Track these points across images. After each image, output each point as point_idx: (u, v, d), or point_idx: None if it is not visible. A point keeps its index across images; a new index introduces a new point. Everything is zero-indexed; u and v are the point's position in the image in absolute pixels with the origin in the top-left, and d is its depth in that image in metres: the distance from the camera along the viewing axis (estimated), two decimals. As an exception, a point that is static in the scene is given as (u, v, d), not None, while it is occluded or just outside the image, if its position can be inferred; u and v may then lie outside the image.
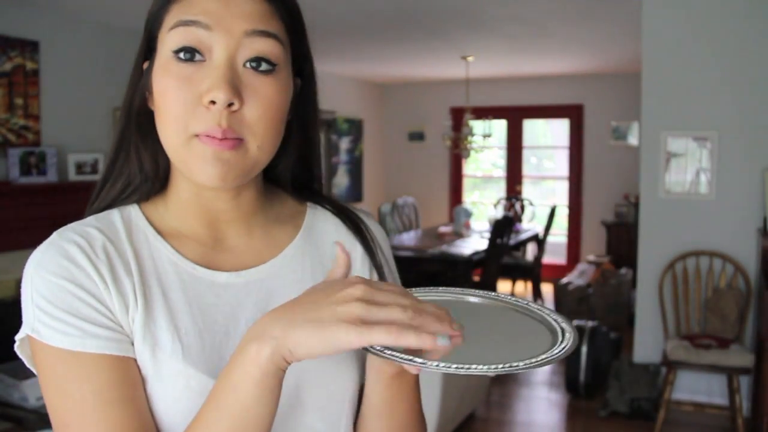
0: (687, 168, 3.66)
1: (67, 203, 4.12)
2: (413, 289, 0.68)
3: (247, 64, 0.63)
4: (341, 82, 7.29)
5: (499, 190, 7.98)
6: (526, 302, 0.67)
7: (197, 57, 0.62)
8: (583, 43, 5.28)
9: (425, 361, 0.54)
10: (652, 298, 3.71)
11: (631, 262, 5.06)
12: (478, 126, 6.60)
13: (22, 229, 3.83)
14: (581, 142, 7.32)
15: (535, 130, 8.01)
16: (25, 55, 3.87)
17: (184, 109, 0.62)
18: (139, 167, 0.70)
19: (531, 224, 6.93)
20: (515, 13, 4.21)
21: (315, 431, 0.70)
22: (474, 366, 0.53)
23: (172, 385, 0.63)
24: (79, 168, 4.15)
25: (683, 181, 3.68)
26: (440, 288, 0.70)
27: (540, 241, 6.49)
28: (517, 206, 7.15)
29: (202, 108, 0.61)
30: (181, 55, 0.62)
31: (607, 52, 5.65)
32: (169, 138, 0.64)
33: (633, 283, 5.17)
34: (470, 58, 5.98)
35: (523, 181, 7.80)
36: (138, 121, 0.70)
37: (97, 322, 0.62)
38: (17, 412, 2.71)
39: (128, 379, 0.62)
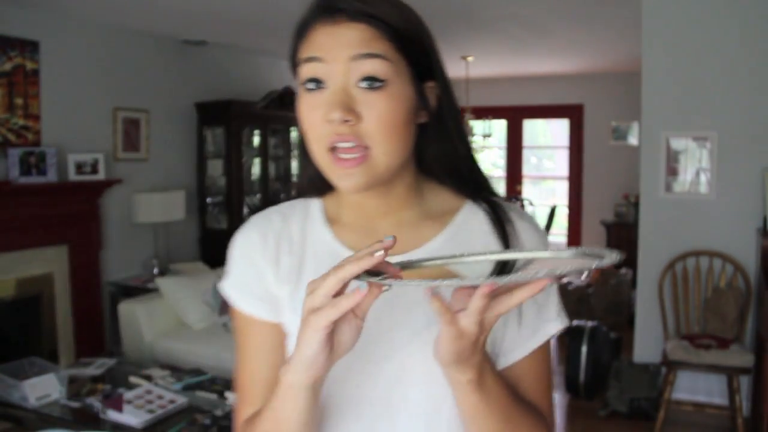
0: (687, 168, 3.66)
1: (67, 203, 4.12)
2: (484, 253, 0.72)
3: (360, 84, 0.72)
4: (341, 82, 7.29)
5: (499, 190, 7.97)
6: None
7: (320, 86, 0.74)
8: (583, 43, 5.28)
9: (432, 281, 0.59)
10: (652, 298, 3.71)
11: (631, 262, 5.06)
12: (478, 126, 6.60)
13: (22, 229, 3.83)
14: (581, 142, 7.32)
15: (535, 130, 8.01)
16: (25, 55, 3.87)
17: (316, 131, 0.74)
18: (307, 178, 0.86)
19: (531, 224, 6.91)
20: (515, 13, 4.21)
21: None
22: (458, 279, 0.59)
23: None
24: (79, 168, 4.15)
25: (683, 181, 3.68)
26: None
27: (540, 241, 6.48)
28: (517, 206, 7.15)
29: (328, 126, 0.73)
30: (308, 86, 0.75)
31: (607, 52, 5.65)
32: (313, 154, 0.77)
33: (633, 283, 5.16)
34: (470, 58, 5.98)
35: (523, 181, 7.80)
36: (303, 141, 0.82)
37: (255, 292, 0.82)
38: (17, 412, 2.71)
39: (271, 340, 0.82)
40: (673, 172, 3.69)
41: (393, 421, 0.78)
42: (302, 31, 0.77)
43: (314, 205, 0.86)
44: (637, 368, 3.63)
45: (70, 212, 4.13)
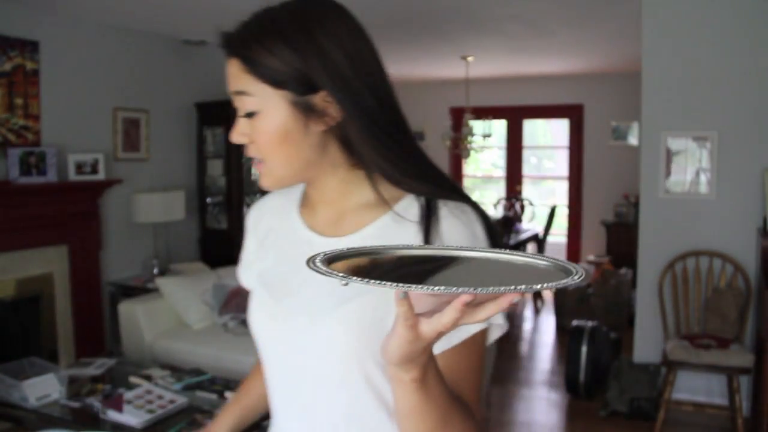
0: (687, 168, 3.66)
1: (67, 203, 4.12)
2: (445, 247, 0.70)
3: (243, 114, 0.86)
4: (341, 82, 7.28)
5: (499, 190, 7.98)
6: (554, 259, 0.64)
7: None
8: (583, 43, 5.28)
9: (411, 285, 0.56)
10: (652, 298, 3.71)
11: (631, 262, 5.06)
12: (477, 126, 6.60)
13: (22, 229, 3.83)
14: (581, 142, 7.32)
15: (535, 130, 8.01)
16: (25, 55, 3.87)
17: None
18: None
19: (531, 224, 6.93)
20: (515, 13, 4.21)
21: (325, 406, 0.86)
22: (456, 288, 0.54)
23: (255, 299, 0.95)
24: (79, 168, 4.15)
25: (683, 181, 3.68)
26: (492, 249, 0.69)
27: (540, 241, 6.49)
28: (517, 206, 7.15)
29: None
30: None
31: (607, 52, 5.65)
32: None
33: (633, 283, 5.16)
34: (470, 58, 5.98)
35: (523, 181, 7.80)
36: None
37: (244, 258, 1.04)
38: (17, 412, 2.71)
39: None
40: (673, 172, 3.69)
41: (315, 386, 0.86)
42: None
43: (297, 189, 1.00)
44: (637, 368, 3.63)
45: (70, 212, 4.13)
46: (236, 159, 5.29)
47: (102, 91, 4.43)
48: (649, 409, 3.52)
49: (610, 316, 5.16)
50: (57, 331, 4.10)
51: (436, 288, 0.54)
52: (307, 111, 0.83)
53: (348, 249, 0.67)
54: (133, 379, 2.95)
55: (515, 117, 7.72)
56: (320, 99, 0.83)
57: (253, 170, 0.89)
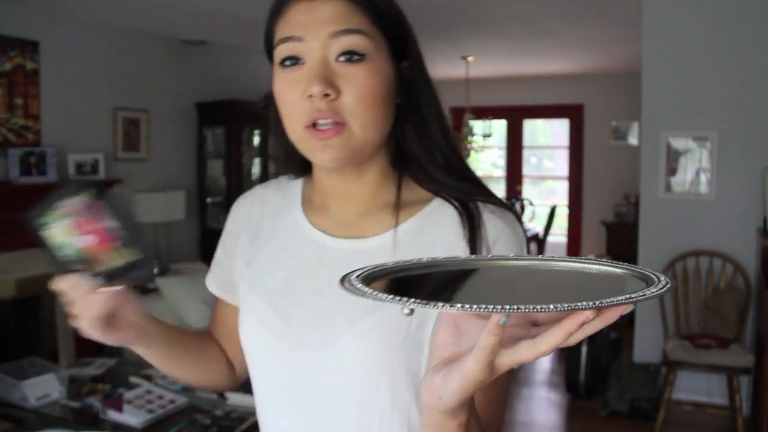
0: (687, 168, 3.66)
1: (67, 203, 4.12)
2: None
3: (340, 58, 0.72)
4: (341, 82, 7.28)
5: (499, 190, 7.98)
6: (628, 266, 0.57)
7: (299, 62, 0.73)
8: (583, 43, 5.28)
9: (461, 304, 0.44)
10: (652, 298, 3.71)
11: (631, 262, 5.04)
12: (478, 126, 6.60)
13: (22, 229, 3.82)
14: (581, 142, 7.32)
15: (535, 130, 8.01)
16: (25, 55, 3.87)
17: (293, 107, 0.73)
18: (284, 152, 0.86)
19: (531, 224, 6.93)
20: (515, 13, 4.21)
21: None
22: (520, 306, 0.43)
23: (251, 311, 0.82)
24: (79, 168, 4.15)
25: (683, 181, 3.68)
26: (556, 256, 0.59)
27: (540, 241, 6.49)
28: (517, 206, 7.15)
29: (307, 102, 0.72)
30: (286, 62, 0.74)
31: (607, 52, 5.65)
32: (289, 132, 0.76)
33: (633, 283, 5.15)
34: (470, 58, 5.98)
35: (523, 181, 7.80)
36: (277, 119, 0.81)
37: (219, 260, 0.96)
38: (17, 412, 2.71)
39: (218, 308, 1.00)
40: (673, 172, 3.69)
41: (323, 411, 0.76)
42: (278, 10, 0.75)
43: (294, 185, 0.89)
44: (637, 368, 3.63)
45: (70, 212, 4.13)
46: (236, 159, 5.29)
47: (102, 91, 4.43)
48: (649, 409, 3.52)
49: (610, 316, 5.16)
50: (57, 331, 4.10)
51: (567, 305, 0.41)
52: (397, 74, 0.77)
53: (394, 264, 0.55)
54: (133, 379, 2.95)
55: (515, 117, 7.73)
56: (404, 68, 0.78)
57: (315, 141, 0.67)
